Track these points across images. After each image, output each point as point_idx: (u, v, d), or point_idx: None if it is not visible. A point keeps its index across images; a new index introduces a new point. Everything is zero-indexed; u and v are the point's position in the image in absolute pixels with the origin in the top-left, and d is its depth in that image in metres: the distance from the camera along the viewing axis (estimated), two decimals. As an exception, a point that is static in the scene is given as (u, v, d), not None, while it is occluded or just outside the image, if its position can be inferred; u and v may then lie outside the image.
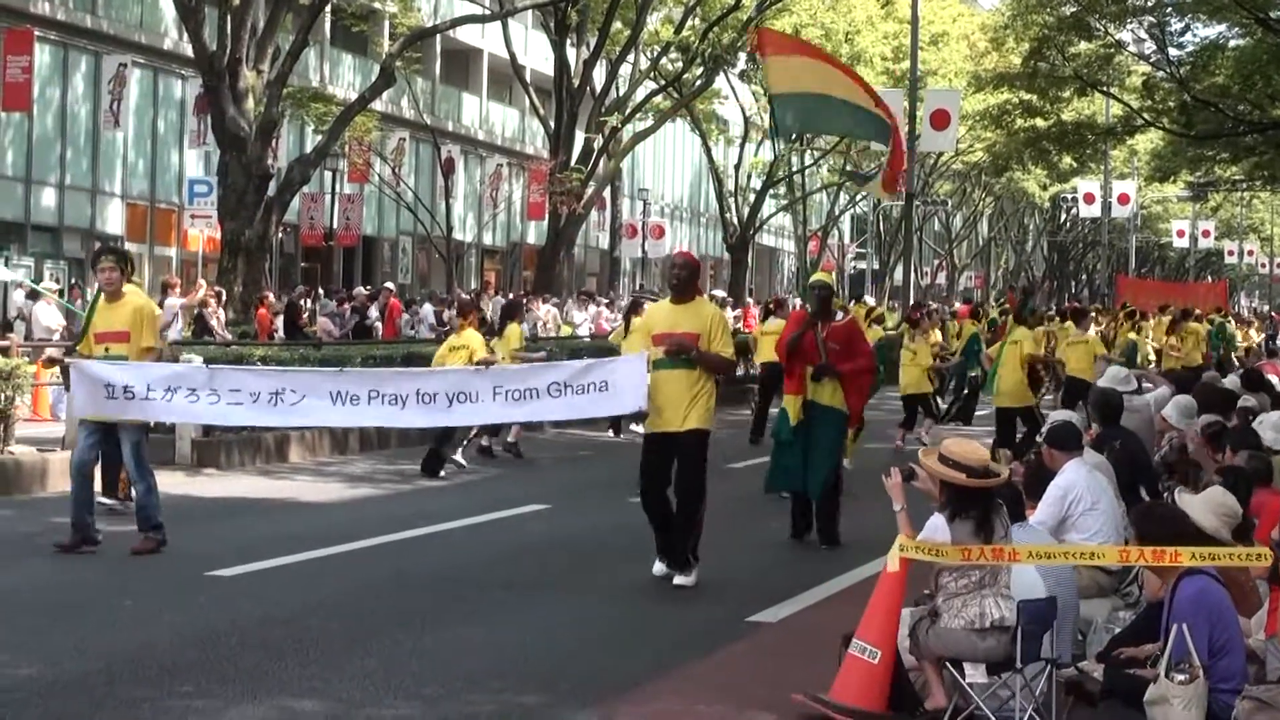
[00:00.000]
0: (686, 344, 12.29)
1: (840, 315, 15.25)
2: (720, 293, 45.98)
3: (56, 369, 15.27)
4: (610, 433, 25.17)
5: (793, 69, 17.44)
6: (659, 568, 12.69)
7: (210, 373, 12.93)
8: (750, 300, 54.18)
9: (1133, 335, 33.52)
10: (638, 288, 59.87)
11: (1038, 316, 28.77)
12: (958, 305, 49.53)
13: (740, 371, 33.83)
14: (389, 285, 41.81)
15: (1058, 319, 27.79)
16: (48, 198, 41.90)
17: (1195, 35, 45.67)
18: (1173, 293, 53.27)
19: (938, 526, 8.74)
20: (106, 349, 13.39)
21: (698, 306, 12.68)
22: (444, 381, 12.50)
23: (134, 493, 13.74)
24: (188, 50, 33.87)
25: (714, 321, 12.55)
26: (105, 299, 13.78)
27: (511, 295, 38.50)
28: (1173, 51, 41.25)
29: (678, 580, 12.42)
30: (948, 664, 8.63)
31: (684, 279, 12.66)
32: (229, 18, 29.96)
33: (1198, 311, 37.49)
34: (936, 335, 29.09)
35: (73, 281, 38.00)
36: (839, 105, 17.54)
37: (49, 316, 27.16)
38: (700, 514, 12.50)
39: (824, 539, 14.86)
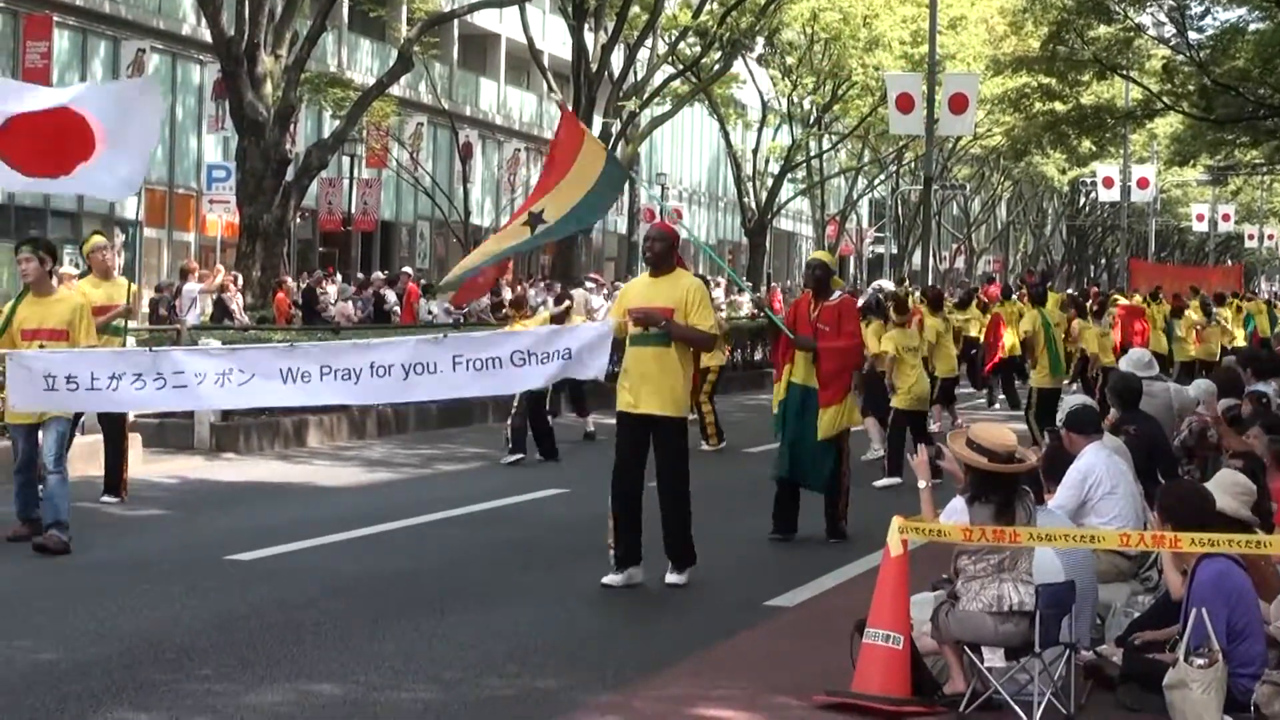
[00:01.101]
0: (655, 315, 11.65)
1: (835, 296, 14.34)
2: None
3: None
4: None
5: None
6: (614, 578, 11.77)
7: (153, 356, 12.19)
8: (775, 285, 54.17)
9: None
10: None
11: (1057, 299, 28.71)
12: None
13: (758, 356, 33.83)
14: (407, 270, 41.81)
15: (1072, 310, 27.53)
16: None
17: (1215, 19, 45.34)
18: (1188, 276, 53.08)
19: (956, 509, 8.75)
20: (41, 346, 12.80)
21: (675, 279, 11.95)
22: (399, 353, 11.69)
23: (47, 481, 12.87)
24: (206, 35, 33.90)
25: (692, 294, 11.82)
26: (33, 293, 13.17)
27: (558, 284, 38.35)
28: (1193, 35, 41.06)
29: (671, 578, 11.84)
30: (966, 648, 8.63)
31: (660, 251, 11.97)
32: (247, 3, 29.97)
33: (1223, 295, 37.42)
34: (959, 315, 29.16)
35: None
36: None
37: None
38: (689, 505, 11.95)
39: (830, 532, 14.31)
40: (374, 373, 11.53)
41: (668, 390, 11.65)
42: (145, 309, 30.10)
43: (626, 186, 57.61)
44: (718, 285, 43.53)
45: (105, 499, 15.33)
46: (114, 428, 15.67)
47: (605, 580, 11.70)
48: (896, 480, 18.03)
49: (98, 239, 16.19)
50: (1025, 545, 8.56)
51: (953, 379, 23.63)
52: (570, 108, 43.72)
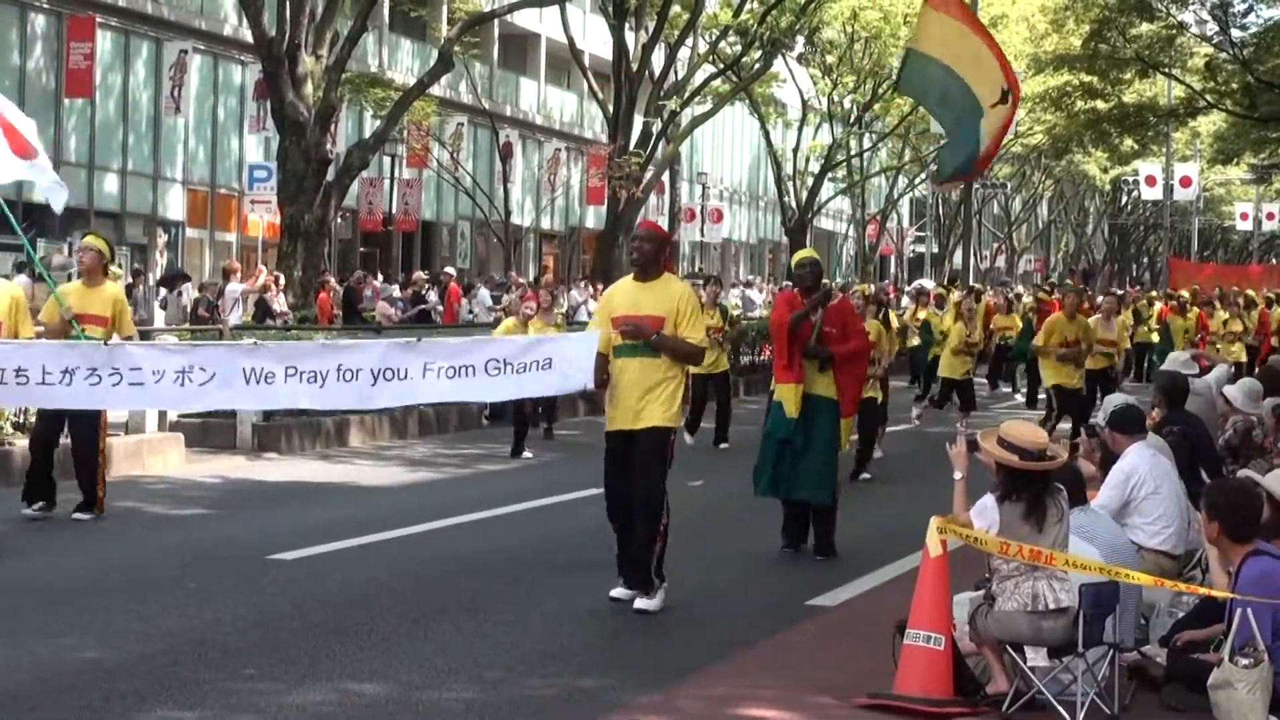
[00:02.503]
0: (644, 328, 10.78)
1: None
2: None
3: None
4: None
5: (940, 27, 16.00)
6: (619, 591, 11.14)
7: (109, 351, 11.81)
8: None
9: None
10: (696, 270, 59.82)
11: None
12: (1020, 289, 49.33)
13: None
14: (449, 270, 41.88)
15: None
16: (110, 184, 42.17)
17: (1259, 16, 45.33)
18: (1227, 275, 52.76)
19: (987, 506, 8.73)
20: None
21: (665, 285, 11.03)
22: (368, 357, 11.20)
23: None
24: (247, 36, 33.97)
25: (683, 302, 10.95)
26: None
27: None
28: (1235, 33, 40.90)
29: (640, 604, 10.86)
30: (1009, 648, 8.60)
31: (648, 254, 11.08)
32: (288, 3, 30.04)
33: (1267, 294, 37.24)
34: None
35: (135, 267, 38.23)
36: (956, 92, 15.83)
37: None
38: (661, 526, 10.93)
39: (820, 549, 13.42)
40: (340, 376, 11.14)
41: (656, 404, 10.83)
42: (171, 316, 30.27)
43: (668, 184, 57.74)
44: (757, 288, 43.44)
45: (77, 516, 14.11)
46: (85, 432, 14.35)
47: (612, 593, 11.13)
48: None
49: (88, 239, 14.99)
50: (1061, 575, 8.50)
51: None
52: (611, 107, 43.95)
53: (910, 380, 31.48)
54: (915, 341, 31.75)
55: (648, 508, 10.86)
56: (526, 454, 20.07)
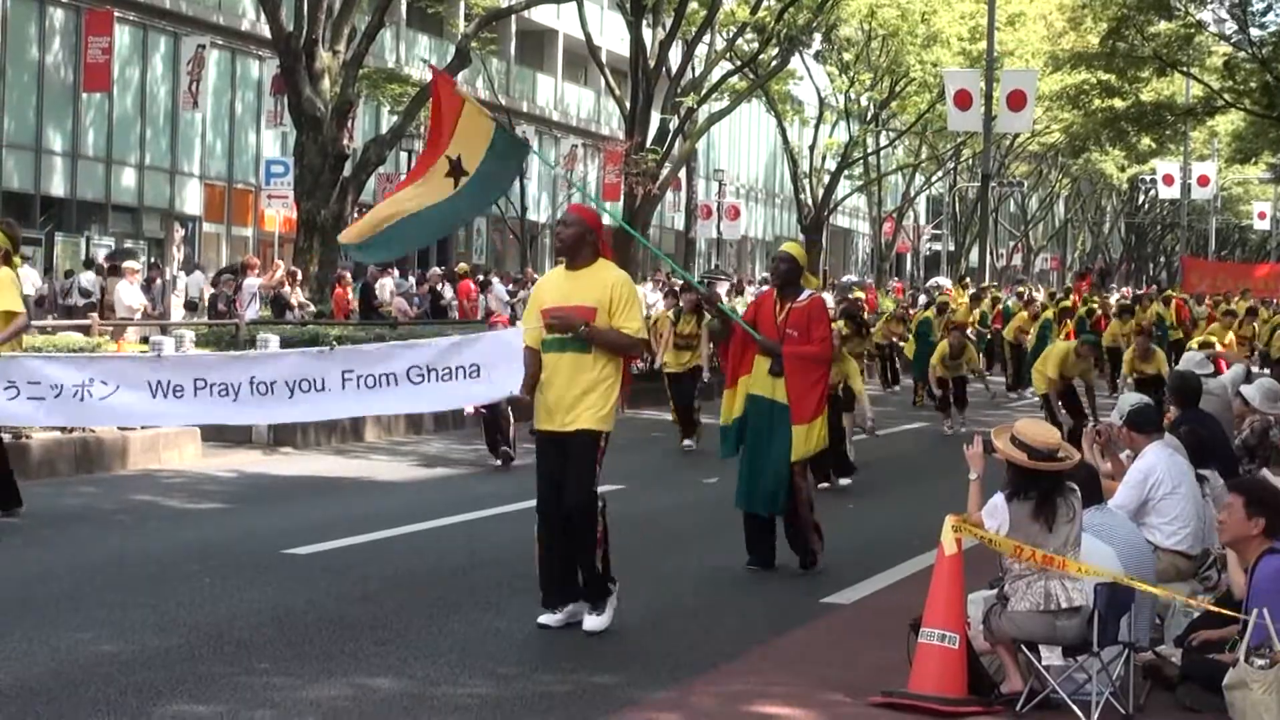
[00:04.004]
0: (572, 319, 9.88)
1: (805, 295, 12.48)
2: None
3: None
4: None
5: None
6: (548, 618, 10.13)
7: (5, 363, 11.24)
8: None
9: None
10: (712, 268, 59.80)
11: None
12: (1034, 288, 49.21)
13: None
14: (463, 266, 41.87)
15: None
16: (128, 178, 42.28)
17: (1278, 15, 45.20)
18: (1241, 274, 52.61)
19: (997, 505, 8.75)
20: None
21: (597, 273, 10.09)
22: (283, 367, 10.52)
23: None
24: (265, 31, 34.05)
25: (616, 291, 10.01)
26: None
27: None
28: (1254, 32, 40.87)
29: (590, 624, 10.03)
30: (1023, 647, 8.60)
31: (569, 239, 10.16)
32: (306, -1, 30.10)
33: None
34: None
35: (153, 260, 38.31)
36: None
37: (130, 296, 27.39)
38: (599, 533, 10.12)
39: (801, 561, 12.52)
40: (254, 389, 10.51)
41: (589, 405, 9.95)
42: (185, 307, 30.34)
43: (684, 180, 57.68)
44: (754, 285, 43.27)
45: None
46: None
47: (540, 620, 10.12)
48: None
49: None
50: (1073, 575, 8.50)
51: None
52: (627, 104, 43.94)
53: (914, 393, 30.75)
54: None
55: (581, 518, 10.01)
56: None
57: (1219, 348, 31.65)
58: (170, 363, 10.96)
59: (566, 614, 10.11)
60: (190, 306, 31.15)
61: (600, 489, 10.12)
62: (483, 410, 18.13)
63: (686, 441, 21.44)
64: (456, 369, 10.35)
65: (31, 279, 32.34)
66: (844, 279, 57.10)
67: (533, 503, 10.32)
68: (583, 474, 9.99)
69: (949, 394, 24.77)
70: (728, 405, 12.46)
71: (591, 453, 10.00)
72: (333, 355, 10.65)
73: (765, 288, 17.60)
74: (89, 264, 32.91)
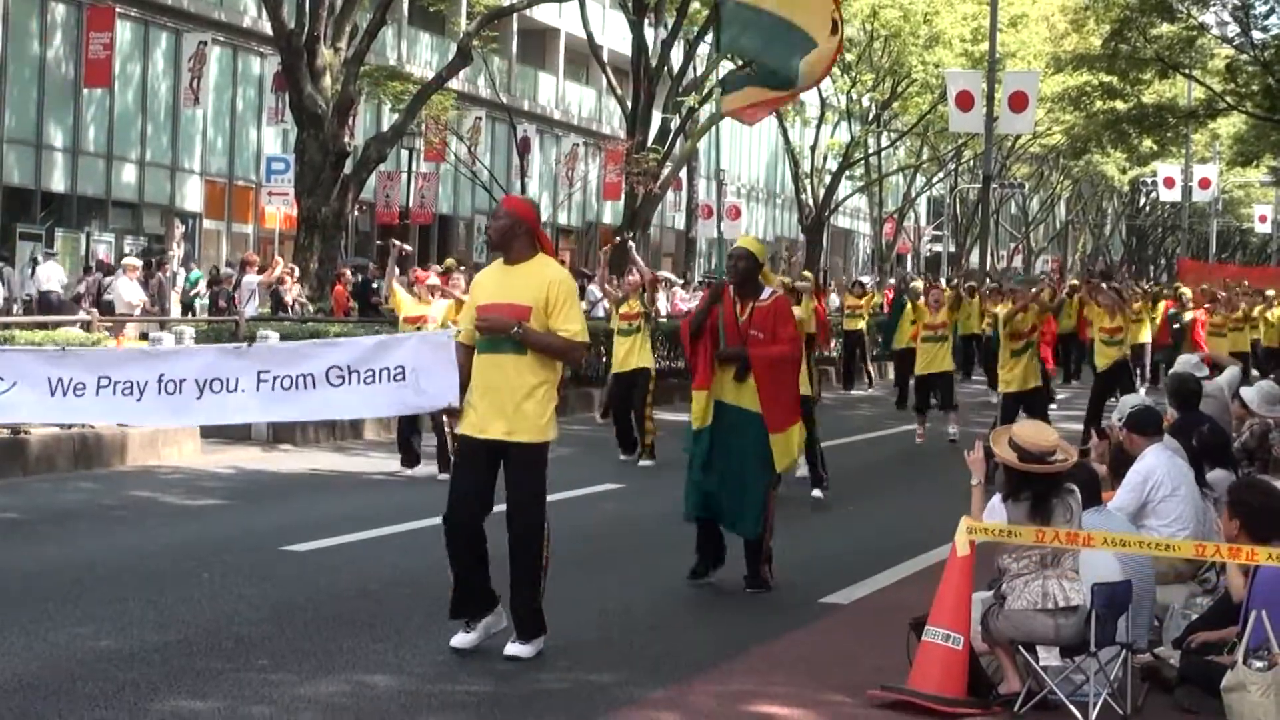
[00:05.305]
0: (502, 320, 9.17)
1: (767, 293, 11.75)
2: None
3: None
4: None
5: None
6: (462, 638, 9.40)
7: None
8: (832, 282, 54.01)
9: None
10: (711, 268, 59.80)
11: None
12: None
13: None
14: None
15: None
16: (128, 174, 42.29)
17: (1280, 18, 45.20)
18: (1236, 276, 52.55)
19: (994, 507, 8.81)
20: None
21: (536, 269, 9.35)
22: (194, 365, 9.78)
23: None
24: (267, 28, 34.05)
25: (554, 289, 9.26)
26: None
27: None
28: (1257, 35, 40.81)
29: (512, 650, 9.25)
30: (1021, 648, 8.60)
31: (500, 232, 9.49)
32: (308, -4, 30.10)
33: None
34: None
35: (153, 258, 38.34)
36: (781, 36, 13.14)
37: (130, 292, 27.39)
38: (543, 560, 9.42)
39: (751, 581, 11.73)
40: (162, 388, 9.72)
41: (527, 411, 9.27)
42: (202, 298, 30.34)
43: (685, 180, 57.66)
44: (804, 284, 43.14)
45: None
46: None
47: (453, 643, 9.42)
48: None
49: None
50: (1099, 548, 8.53)
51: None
52: (629, 103, 43.94)
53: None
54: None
55: (529, 542, 9.34)
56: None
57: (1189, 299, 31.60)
58: (74, 358, 10.08)
59: (482, 629, 9.46)
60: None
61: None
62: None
63: (624, 456, 19.83)
64: (381, 371, 9.58)
65: (57, 275, 32.48)
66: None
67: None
68: (529, 491, 9.36)
69: (928, 394, 22.86)
70: (700, 408, 11.75)
71: (540, 467, 9.40)
72: (249, 353, 9.94)
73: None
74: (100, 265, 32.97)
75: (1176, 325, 32.76)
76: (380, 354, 9.63)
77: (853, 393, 32.97)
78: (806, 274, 22.86)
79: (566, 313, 9.24)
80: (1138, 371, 30.59)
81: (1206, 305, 32.87)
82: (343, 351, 9.79)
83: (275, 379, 9.61)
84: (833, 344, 33.32)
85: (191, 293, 35.92)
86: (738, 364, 11.53)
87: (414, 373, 9.48)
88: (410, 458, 17.94)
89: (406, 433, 17.94)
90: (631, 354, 19.83)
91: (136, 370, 9.78)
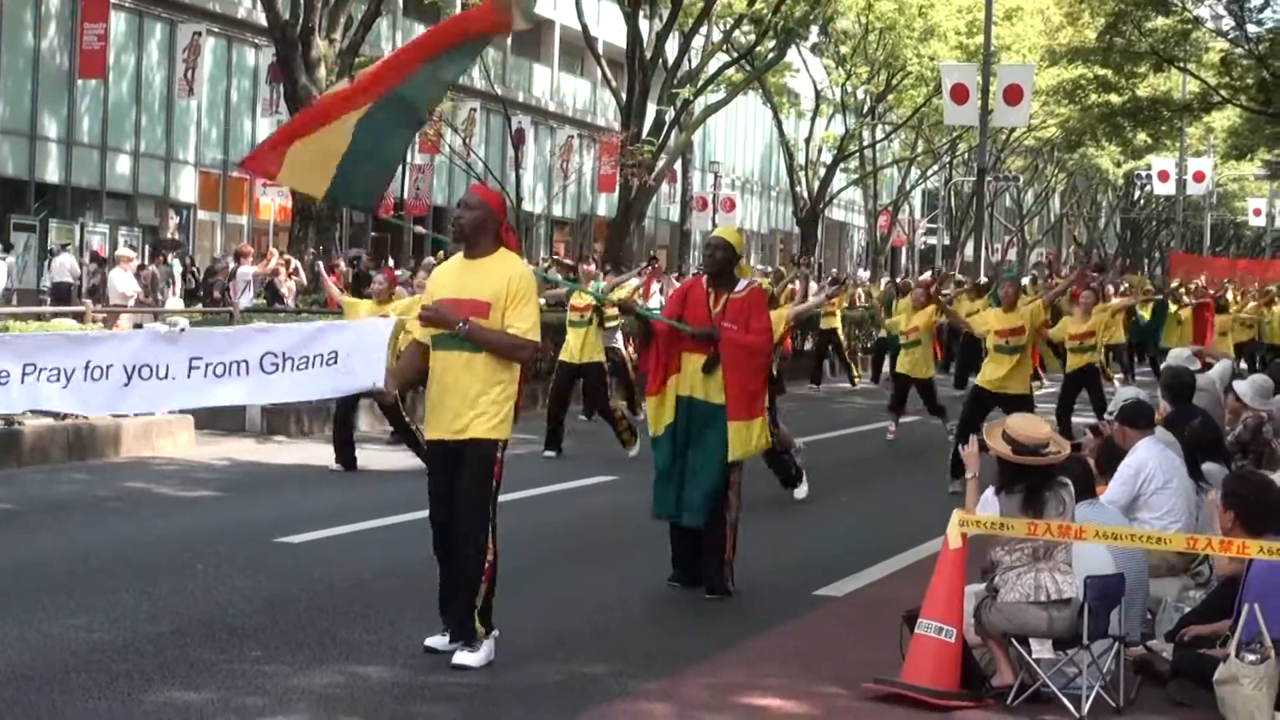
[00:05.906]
0: (450, 315, 8.90)
1: (743, 285, 11.40)
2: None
3: None
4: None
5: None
6: (437, 640, 9.19)
7: None
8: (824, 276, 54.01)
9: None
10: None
11: None
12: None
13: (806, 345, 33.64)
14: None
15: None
16: (122, 165, 42.21)
17: (1275, 11, 45.50)
18: (1225, 269, 52.56)
19: (987, 500, 8.84)
20: None
21: (494, 264, 9.05)
22: (123, 351, 9.40)
23: None
24: (261, 19, 34.04)
25: (512, 285, 8.95)
26: None
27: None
28: (1251, 28, 40.82)
29: (459, 659, 8.91)
30: (1014, 640, 8.61)
31: (472, 224, 9.10)
32: (302, -13, 30.08)
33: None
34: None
35: (147, 248, 38.28)
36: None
37: (124, 283, 27.36)
38: (486, 565, 8.99)
39: (709, 586, 11.26)
40: (89, 374, 9.31)
41: (481, 408, 8.95)
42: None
43: (680, 172, 57.63)
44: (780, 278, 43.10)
45: None
46: None
47: (428, 642, 9.22)
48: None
49: None
50: (1089, 541, 8.55)
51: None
52: (624, 95, 43.92)
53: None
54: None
55: (469, 543, 8.99)
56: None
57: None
58: (1, 344, 9.60)
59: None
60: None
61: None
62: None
63: (549, 452, 19.16)
64: (315, 357, 9.27)
65: (69, 266, 32.45)
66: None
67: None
68: (474, 492, 8.98)
69: (904, 392, 22.09)
70: (655, 412, 11.32)
71: (487, 466, 8.96)
72: (180, 339, 9.52)
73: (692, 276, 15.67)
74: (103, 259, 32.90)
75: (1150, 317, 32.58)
76: (316, 340, 9.39)
77: (844, 385, 32.94)
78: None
79: (520, 310, 8.95)
80: (1119, 368, 30.64)
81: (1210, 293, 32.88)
82: (279, 338, 9.51)
83: (208, 365, 9.30)
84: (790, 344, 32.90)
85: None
86: (709, 349, 11.12)
87: (346, 356, 9.25)
88: (346, 458, 17.45)
89: (344, 433, 17.55)
90: (583, 347, 19.40)
91: (63, 356, 9.36)
